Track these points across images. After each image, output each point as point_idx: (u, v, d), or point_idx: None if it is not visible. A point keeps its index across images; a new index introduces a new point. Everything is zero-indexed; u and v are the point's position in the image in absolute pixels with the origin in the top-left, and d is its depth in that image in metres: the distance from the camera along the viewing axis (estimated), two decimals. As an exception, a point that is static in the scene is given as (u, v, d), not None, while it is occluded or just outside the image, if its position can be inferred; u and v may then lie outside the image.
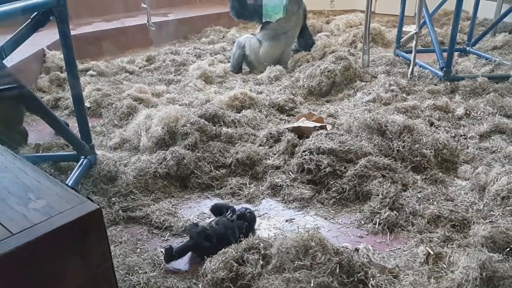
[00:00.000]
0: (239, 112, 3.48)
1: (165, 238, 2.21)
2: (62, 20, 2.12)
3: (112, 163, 2.68)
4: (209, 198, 2.56)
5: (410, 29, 5.50)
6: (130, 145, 3.05)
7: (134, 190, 2.50)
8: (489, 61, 4.57)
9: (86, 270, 0.67)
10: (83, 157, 2.55)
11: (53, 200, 0.70)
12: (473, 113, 3.38)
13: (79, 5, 6.18)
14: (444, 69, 4.10)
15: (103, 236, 0.70)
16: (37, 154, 2.86)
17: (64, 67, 4.36)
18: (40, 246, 0.62)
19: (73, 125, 3.10)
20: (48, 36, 4.80)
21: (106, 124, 3.46)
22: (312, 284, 1.60)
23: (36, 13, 2.09)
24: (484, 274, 1.62)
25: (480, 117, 3.32)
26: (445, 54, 4.19)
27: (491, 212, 2.14)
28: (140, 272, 1.85)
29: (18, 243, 0.60)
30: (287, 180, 2.64)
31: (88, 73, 4.59)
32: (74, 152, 2.59)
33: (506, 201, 2.15)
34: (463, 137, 3.07)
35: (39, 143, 3.07)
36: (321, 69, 4.18)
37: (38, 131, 3.46)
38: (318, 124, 3.09)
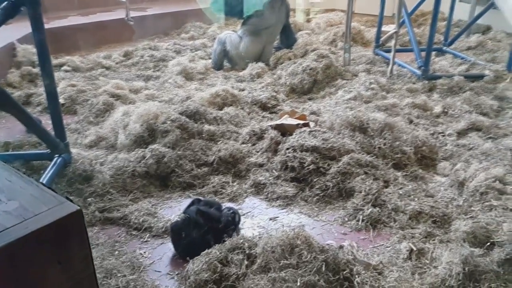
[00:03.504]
0: (221, 110, 3.43)
1: (145, 240, 2.15)
2: (34, 11, 2.00)
3: (88, 162, 2.58)
4: (190, 197, 2.51)
5: (389, 28, 5.57)
6: (106, 143, 2.96)
7: (111, 190, 2.42)
8: (465, 60, 4.67)
9: (66, 276, 0.62)
10: (57, 155, 2.44)
11: (27, 201, 0.64)
12: (450, 111, 3.44)
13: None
14: (422, 68, 4.16)
15: (84, 240, 0.64)
16: (7, 153, 2.73)
17: (37, 62, 4.23)
18: (13, 253, 0.57)
19: (46, 123, 2.99)
20: (19, 29, 4.61)
21: (81, 121, 3.35)
22: (298, 283, 1.58)
23: (5, 2, 1.97)
24: (466, 269, 1.64)
25: (457, 115, 3.38)
26: (423, 54, 4.26)
27: (471, 208, 2.17)
28: (119, 275, 1.79)
29: None
30: (270, 178, 2.61)
31: (62, 68, 4.44)
32: (48, 150, 2.49)
33: (484, 196, 2.18)
34: (442, 134, 3.12)
35: (9, 141, 2.94)
36: (303, 67, 4.18)
37: (7, 128, 3.32)
38: (301, 122, 3.08)
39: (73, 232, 0.63)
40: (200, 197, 2.39)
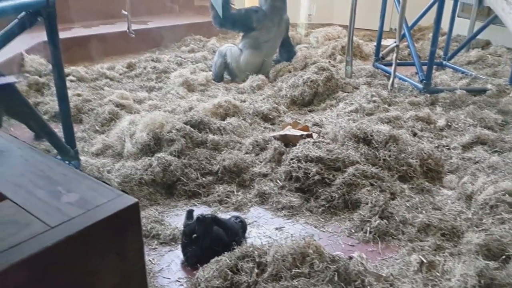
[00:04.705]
0: (223, 120, 3.44)
1: (153, 247, 2.13)
2: (51, 21, 2.04)
3: (96, 169, 2.58)
4: (196, 205, 2.50)
5: (387, 43, 5.64)
6: (113, 151, 2.95)
7: (118, 198, 2.41)
8: (465, 74, 4.72)
9: (122, 268, 0.62)
10: (67, 162, 2.44)
11: (86, 194, 0.64)
12: (454, 124, 3.46)
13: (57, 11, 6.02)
14: (424, 81, 4.20)
15: (139, 232, 0.65)
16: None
17: (44, 72, 4.28)
18: (79, 242, 0.57)
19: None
20: (27, 40, 4.65)
21: (87, 130, 3.35)
22: (312, 293, 1.56)
23: (24, 13, 2.00)
24: (482, 281, 1.63)
25: (461, 129, 3.40)
26: (423, 68, 4.31)
27: (482, 221, 2.16)
28: (129, 282, 1.77)
29: (59, 237, 0.54)
30: (275, 188, 2.61)
31: (67, 78, 4.44)
32: (58, 157, 2.48)
33: (495, 209, 2.17)
34: (446, 147, 3.13)
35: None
36: (303, 79, 4.20)
37: (16, 136, 3.30)
38: (305, 133, 3.09)
39: (130, 224, 0.63)
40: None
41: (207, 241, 1.94)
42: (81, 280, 0.59)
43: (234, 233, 2.07)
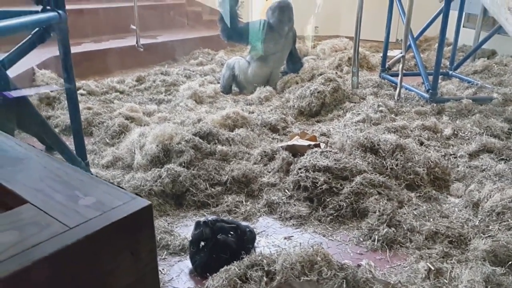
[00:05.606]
0: (232, 131, 3.49)
1: (162, 257, 2.16)
2: (63, 36, 2.14)
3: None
4: (205, 216, 2.53)
5: (393, 53, 5.68)
6: (123, 163, 3.01)
7: (128, 208, 2.45)
8: (472, 84, 4.73)
9: (135, 268, 0.65)
10: (78, 173, 2.49)
11: (102, 197, 0.68)
12: (460, 133, 3.47)
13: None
14: (430, 91, 4.22)
15: (153, 234, 0.68)
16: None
17: (54, 86, 4.38)
18: (97, 241, 0.61)
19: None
20: (37, 55, 4.77)
21: (97, 143, 3.41)
22: (319, 299, 1.58)
23: (37, 29, 2.09)
24: (489, 287, 1.63)
25: (468, 137, 3.41)
26: (429, 78, 4.34)
27: (488, 228, 2.17)
28: (139, 290, 1.80)
29: (78, 236, 0.58)
30: (283, 198, 2.63)
31: (78, 92, 4.54)
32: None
33: (501, 216, 2.18)
34: (453, 156, 3.14)
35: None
36: (311, 90, 4.25)
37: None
38: (312, 143, 3.12)
39: (144, 225, 0.67)
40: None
41: (223, 233, 1.97)
42: (98, 278, 0.62)
43: (243, 232, 2.10)
